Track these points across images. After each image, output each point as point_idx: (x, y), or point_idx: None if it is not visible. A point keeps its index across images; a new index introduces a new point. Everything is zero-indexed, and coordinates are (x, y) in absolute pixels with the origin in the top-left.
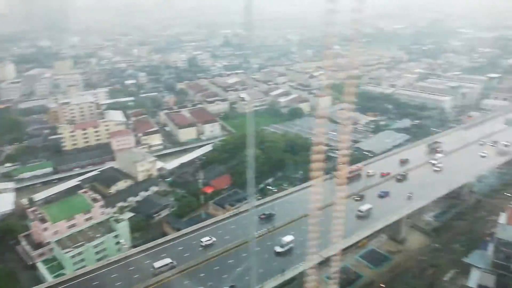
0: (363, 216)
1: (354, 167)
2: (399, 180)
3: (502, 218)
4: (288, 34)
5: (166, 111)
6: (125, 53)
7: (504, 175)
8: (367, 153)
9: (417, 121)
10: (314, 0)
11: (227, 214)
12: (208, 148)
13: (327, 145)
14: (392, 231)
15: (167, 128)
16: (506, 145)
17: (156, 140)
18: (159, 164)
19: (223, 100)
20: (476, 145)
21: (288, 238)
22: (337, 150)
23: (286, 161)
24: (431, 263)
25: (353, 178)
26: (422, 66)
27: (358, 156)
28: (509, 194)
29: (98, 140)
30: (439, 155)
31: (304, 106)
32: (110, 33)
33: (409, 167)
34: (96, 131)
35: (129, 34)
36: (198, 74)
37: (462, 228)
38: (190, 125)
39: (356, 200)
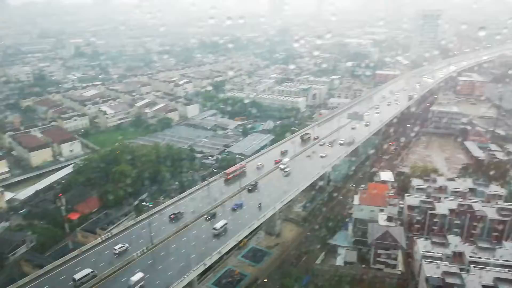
0: (219, 234)
1: (238, 165)
2: (250, 190)
3: (356, 200)
4: (148, 43)
5: (11, 132)
6: None
7: (352, 164)
8: (239, 156)
9: (279, 122)
10: (170, 9)
11: (99, 239)
12: (69, 169)
13: (201, 152)
14: (268, 226)
15: (14, 153)
16: (341, 144)
17: (1, 167)
18: (8, 195)
19: (81, 116)
20: (327, 140)
21: (137, 276)
22: (211, 156)
23: (159, 174)
24: (304, 250)
25: (240, 174)
26: (277, 71)
27: (230, 160)
28: (352, 185)
29: None
30: (286, 159)
31: (173, 115)
32: None
33: (262, 172)
34: None
35: None
36: (48, 88)
37: (326, 213)
38: (44, 146)
39: (207, 220)
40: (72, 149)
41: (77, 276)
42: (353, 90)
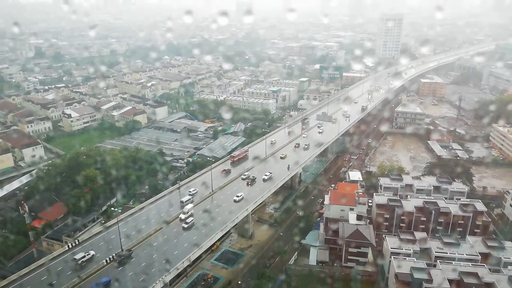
0: None
1: (242, 150)
2: (120, 263)
3: (327, 199)
4: (113, 44)
5: None
6: None
7: (322, 164)
8: (210, 158)
9: (250, 124)
10: (135, 10)
11: (66, 247)
12: (32, 175)
13: (171, 155)
14: (241, 229)
15: None
16: (265, 180)
17: None
18: None
19: (44, 119)
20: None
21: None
22: (181, 159)
23: (128, 178)
24: (277, 250)
25: (243, 158)
26: (246, 73)
27: (201, 163)
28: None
29: None
30: (189, 206)
31: (141, 118)
32: None
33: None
34: None
35: None
36: (7, 91)
37: (298, 213)
38: (4, 151)
39: None
40: (35, 154)
41: (184, 199)
42: (321, 92)
